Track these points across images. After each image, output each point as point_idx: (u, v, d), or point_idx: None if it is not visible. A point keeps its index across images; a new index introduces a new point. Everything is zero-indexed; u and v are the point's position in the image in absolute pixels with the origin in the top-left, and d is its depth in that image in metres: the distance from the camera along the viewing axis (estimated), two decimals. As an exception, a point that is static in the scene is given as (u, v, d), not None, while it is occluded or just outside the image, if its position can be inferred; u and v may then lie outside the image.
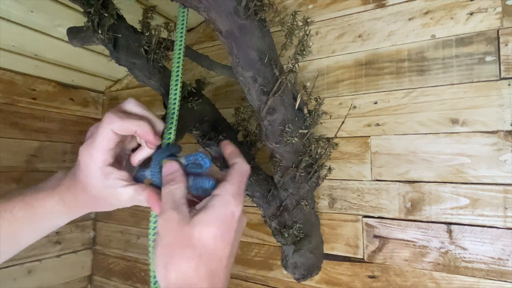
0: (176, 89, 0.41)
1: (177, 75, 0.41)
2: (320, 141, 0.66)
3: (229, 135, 0.69)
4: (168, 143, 0.37)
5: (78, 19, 0.62)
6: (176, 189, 0.31)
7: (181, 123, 0.40)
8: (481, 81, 0.63)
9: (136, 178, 0.36)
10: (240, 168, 0.33)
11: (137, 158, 0.36)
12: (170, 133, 0.38)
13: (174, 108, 0.39)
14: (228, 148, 0.36)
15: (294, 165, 0.63)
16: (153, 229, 0.35)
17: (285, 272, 0.79)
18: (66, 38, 0.66)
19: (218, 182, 0.32)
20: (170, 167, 0.33)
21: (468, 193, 0.63)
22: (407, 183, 0.69)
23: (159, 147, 0.36)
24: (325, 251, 0.77)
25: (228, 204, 0.29)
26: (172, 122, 0.38)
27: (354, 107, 0.75)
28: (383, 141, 0.72)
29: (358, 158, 0.74)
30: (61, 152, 1.14)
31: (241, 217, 0.30)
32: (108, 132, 0.32)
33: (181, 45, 0.42)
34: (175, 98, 0.40)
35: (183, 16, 0.45)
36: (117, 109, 0.34)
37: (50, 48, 0.94)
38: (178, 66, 0.42)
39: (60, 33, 0.87)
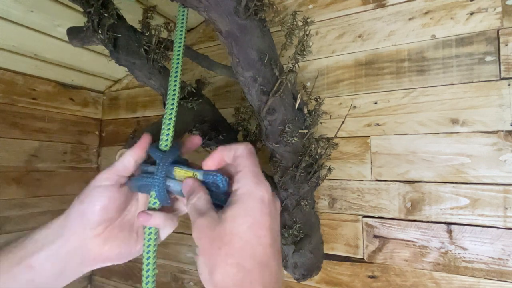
0: (175, 89, 0.40)
1: (176, 75, 0.41)
2: (320, 141, 0.66)
3: (229, 135, 0.69)
4: (166, 145, 0.36)
5: (78, 19, 0.62)
6: (198, 199, 0.30)
7: (181, 123, 0.40)
8: (481, 81, 0.63)
9: (136, 181, 0.35)
10: (242, 151, 0.30)
11: None
12: (168, 134, 0.36)
13: (172, 108, 0.38)
14: (216, 153, 0.32)
15: (294, 165, 0.63)
16: (148, 234, 0.34)
17: (285, 272, 0.79)
18: (66, 38, 0.66)
19: (231, 178, 0.30)
20: (187, 185, 0.32)
21: (468, 193, 0.63)
22: (407, 183, 0.69)
23: (160, 151, 0.35)
24: (325, 251, 0.77)
25: (252, 192, 0.27)
26: (170, 123, 0.37)
27: (354, 107, 0.75)
28: (383, 141, 0.72)
29: (358, 158, 0.74)
30: (61, 152, 1.14)
31: (272, 200, 0.28)
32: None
33: (180, 45, 0.42)
34: (174, 99, 0.39)
35: (183, 16, 0.45)
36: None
37: (50, 48, 0.94)
38: (177, 67, 0.42)
39: (60, 33, 0.87)
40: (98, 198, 0.33)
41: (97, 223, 0.32)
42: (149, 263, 0.35)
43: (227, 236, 0.26)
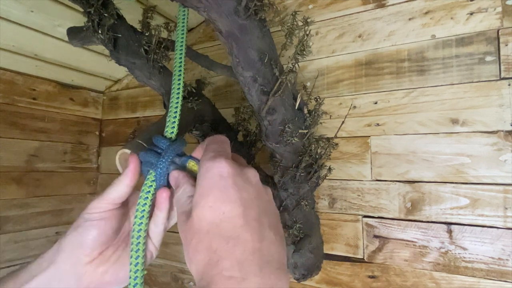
0: (179, 88, 0.40)
1: (179, 75, 0.41)
2: (320, 141, 0.66)
3: (229, 135, 0.69)
4: (171, 138, 0.36)
5: (78, 19, 0.62)
6: (180, 194, 0.29)
7: (181, 123, 0.40)
8: (481, 81, 0.63)
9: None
10: (207, 140, 0.30)
11: None
12: (174, 127, 0.36)
13: (177, 102, 0.38)
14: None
15: (294, 165, 0.62)
16: (138, 225, 0.33)
17: (285, 272, 0.79)
18: (66, 38, 0.66)
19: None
20: (173, 177, 0.32)
21: (468, 193, 0.63)
22: (407, 183, 0.69)
23: (166, 138, 0.35)
24: (325, 251, 0.77)
25: (208, 170, 0.26)
26: (175, 116, 0.37)
27: (354, 107, 0.75)
28: (383, 141, 0.72)
29: (358, 158, 0.74)
30: (61, 152, 1.14)
31: (235, 170, 0.26)
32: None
33: (182, 46, 0.42)
34: (178, 93, 0.39)
35: (184, 16, 0.45)
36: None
37: (50, 48, 0.94)
38: (180, 66, 0.42)
39: (60, 33, 0.87)
40: (91, 229, 0.31)
41: (91, 249, 0.31)
42: (140, 229, 0.33)
43: (195, 225, 0.25)
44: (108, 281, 0.32)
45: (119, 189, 0.33)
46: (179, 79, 0.40)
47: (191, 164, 0.32)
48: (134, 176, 0.33)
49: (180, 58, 0.41)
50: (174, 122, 0.37)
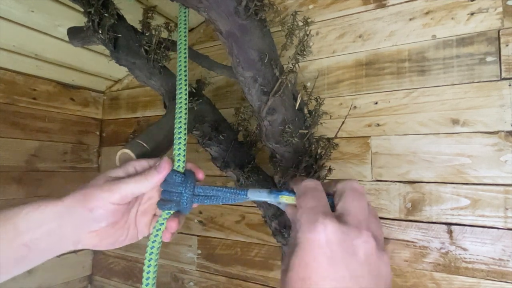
0: (181, 91, 0.41)
1: (185, 78, 0.41)
2: (320, 141, 0.66)
3: (229, 135, 0.69)
4: (183, 167, 0.38)
5: (79, 19, 0.62)
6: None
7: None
8: (482, 82, 0.63)
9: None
10: (298, 188, 0.28)
11: None
12: (183, 160, 0.38)
13: (184, 135, 0.39)
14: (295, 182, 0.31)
15: (294, 166, 0.62)
16: (156, 230, 0.36)
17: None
18: (67, 38, 0.66)
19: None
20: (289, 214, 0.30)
21: (468, 193, 0.63)
22: (407, 183, 0.69)
23: (179, 173, 0.36)
24: (325, 252, 0.77)
25: (304, 235, 0.23)
26: (183, 149, 0.38)
27: (355, 107, 0.75)
28: (383, 141, 0.72)
29: (358, 159, 0.74)
30: (62, 152, 1.14)
31: (337, 238, 0.22)
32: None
33: (185, 47, 0.42)
34: (181, 130, 0.40)
35: (185, 16, 0.45)
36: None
37: (50, 48, 0.94)
38: (185, 69, 0.42)
39: (60, 33, 0.87)
40: (106, 215, 0.33)
41: (97, 229, 0.34)
42: (151, 258, 0.36)
43: (286, 285, 0.22)
44: (104, 245, 0.36)
45: (141, 188, 0.35)
46: (184, 86, 0.41)
47: (284, 199, 0.32)
48: (160, 181, 0.35)
49: (185, 64, 0.42)
50: (183, 155, 0.38)
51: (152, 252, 0.36)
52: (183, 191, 0.35)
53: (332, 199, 0.27)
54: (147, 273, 0.36)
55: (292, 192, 0.31)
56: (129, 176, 0.35)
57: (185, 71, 0.42)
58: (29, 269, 0.33)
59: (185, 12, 0.45)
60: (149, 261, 0.36)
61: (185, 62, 0.42)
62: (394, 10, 0.72)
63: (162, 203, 0.37)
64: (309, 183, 0.28)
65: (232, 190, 0.35)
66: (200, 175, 0.38)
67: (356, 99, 0.75)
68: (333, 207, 0.27)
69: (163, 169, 0.35)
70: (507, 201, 0.60)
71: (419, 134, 0.68)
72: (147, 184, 0.34)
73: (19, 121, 1.03)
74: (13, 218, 0.32)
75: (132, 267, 1.12)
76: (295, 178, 0.31)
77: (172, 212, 0.36)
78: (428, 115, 0.68)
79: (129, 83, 1.21)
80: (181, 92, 0.40)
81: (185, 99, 0.40)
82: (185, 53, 0.42)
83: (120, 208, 0.34)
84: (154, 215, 0.39)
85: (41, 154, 1.08)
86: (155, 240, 0.36)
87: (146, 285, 0.35)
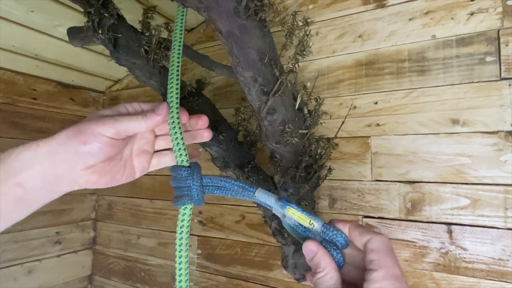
0: (174, 89, 0.41)
1: (177, 76, 0.41)
2: (320, 141, 0.66)
3: (229, 135, 0.69)
4: (187, 160, 0.38)
5: (78, 19, 0.62)
6: (328, 279, 0.27)
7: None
8: (482, 82, 0.63)
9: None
10: (379, 245, 0.27)
11: None
12: (185, 149, 0.38)
13: (181, 133, 0.39)
14: (353, 228, 0.30)
15: (294, 165, 0.62)
16: (180, 227, 0.36)
17: (285, 272, 0.79)
18: (67, 38, 0.66)
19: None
20: (310, 251, 0.29)
21: (468, 193, 0.63)
22: (407, 183, 0.69)
23: (183, 167, 0.37)
24: (325, 252, 0.77)
25: None
26: (177, 138, 0.38)
27: (355, 107, 0.75)
28: (383, 141, 0.72)
29: (358, 158, 0.74)
30: (62, 152, 1.14)
31: None
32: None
33: (180, 45, 0.42)
34: (176, 99, 0.40)
35: (182, 16, 0.45)
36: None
37: (50, 48, 0.94)
38: (178, 69, 0.42)
39: (60, 33, 0.87)
40: (101, 148, 0.33)
41: (93, 163, 0.33)
42: (181, 243, 0.36)
43: None
44: (102, 183, 0.35)
45: (138, 127, 0.35)
46: (177, 87, 0.41)
47: (290, 211, 0.31)
48: (158, 123, 0.36)
49: (178, 64, 0.42)
50: (184, 149, 0.38)
51: (181, 249, 0.36)
52: (191, 184, 0.35)
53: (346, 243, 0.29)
54: (179, 269, 0.35)
55: (302, 209, 0.31)
56: (123, 114, 0.35)
57: (177, 70, 0.42)
58: (29, 213, 0.32)
59: (182, 12, 0.45)
60: (179, 258, 0.36)
61: (178, 62, 0.42)
62: (394, 10, 0.72)
63: (176, 200, 0.37)
64: (389, 241, 0.27)
65: (240, 184, 0.35)
66: (185, 117, 0.40)
67: (356, 99, 0.75)
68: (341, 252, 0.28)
69: (161, 111, 0.35)
70: (507, 201, 0.60)
71: (419, 134, 0.68)
72: (143, 124, 0.34)
73: (19, 121, 1.03)
74: (5, 159, 0.31)
75: (132, 267, 1.12)
76: (360, 225, 0.30)
77: (190, 206, 0.36)
78: (428, 115, 0.68)
79: (129, 83, 1.21)
80: (172, 87, 0.41)
81: (177, 93, 0.41)
82: (179, 50, 0.42)
83: (115, 143, 0.34)
84: (154, 153, 0.40)
85: (41, 154, 1.08)
86: (181, 238, 0.36)
87: (179, 282, 0.35)
